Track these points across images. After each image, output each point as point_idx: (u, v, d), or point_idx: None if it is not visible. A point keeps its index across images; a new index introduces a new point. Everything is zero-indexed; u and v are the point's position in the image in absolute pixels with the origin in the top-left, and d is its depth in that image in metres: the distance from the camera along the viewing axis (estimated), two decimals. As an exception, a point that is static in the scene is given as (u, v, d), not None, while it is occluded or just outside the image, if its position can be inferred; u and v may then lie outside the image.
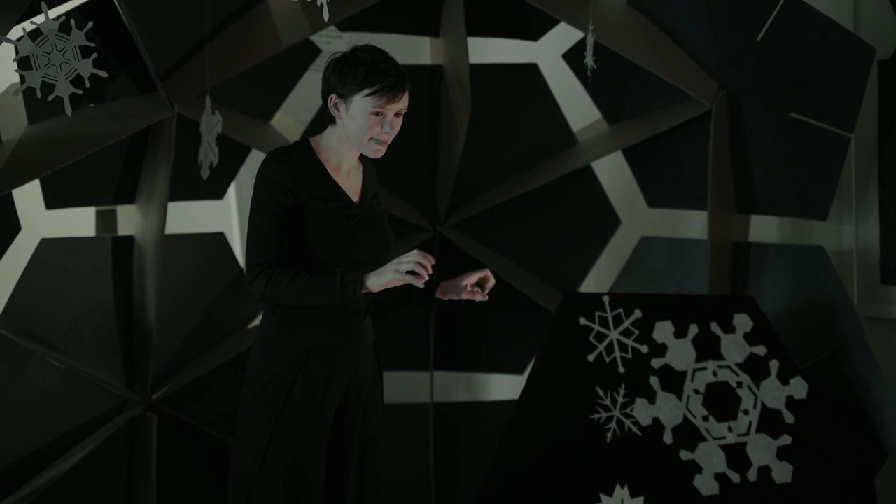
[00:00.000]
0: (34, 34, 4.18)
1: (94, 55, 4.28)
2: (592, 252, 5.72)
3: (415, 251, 3.36)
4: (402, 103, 3.49)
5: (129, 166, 4.86)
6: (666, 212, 5.66)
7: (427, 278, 3.36)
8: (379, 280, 3.38)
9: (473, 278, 3.63)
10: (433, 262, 3.36)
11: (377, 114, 3.45)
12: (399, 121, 3.51)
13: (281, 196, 3.45)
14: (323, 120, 3.63)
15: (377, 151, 3.52)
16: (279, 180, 3.45)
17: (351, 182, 3.60)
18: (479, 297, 3.63)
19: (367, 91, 3.43)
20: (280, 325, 3.51)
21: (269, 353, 3.52)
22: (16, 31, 4.28)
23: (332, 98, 3.48)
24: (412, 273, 3.34)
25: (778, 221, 5.37)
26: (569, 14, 4.93)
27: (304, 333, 3.50)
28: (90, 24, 4.25)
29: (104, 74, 4.31)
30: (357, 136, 3.49)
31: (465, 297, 3.65)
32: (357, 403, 3.60)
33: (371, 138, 3.48)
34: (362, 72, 3.43)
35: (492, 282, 3.63)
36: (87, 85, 4.28)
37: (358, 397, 3.60)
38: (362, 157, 3.67)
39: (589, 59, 4.52)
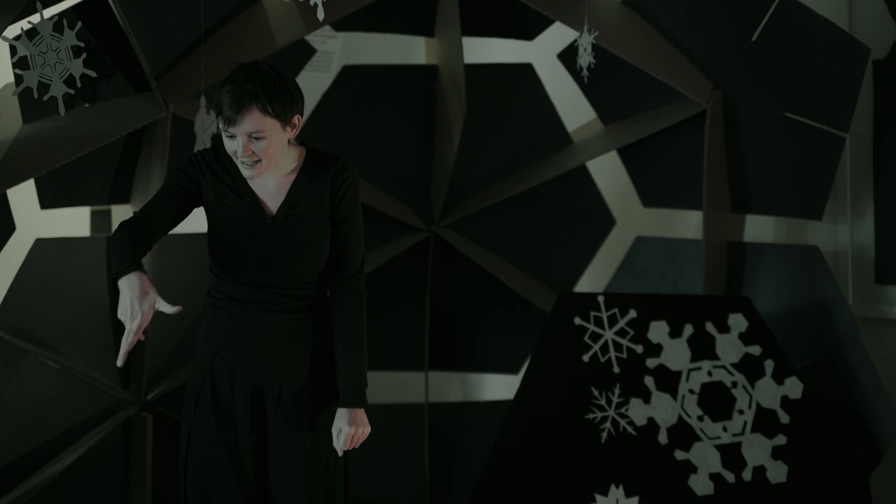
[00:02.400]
0: (31, 34, 4.18)
1: (84, 55, 4.27)
2: (587, 252, 5.72)
3: (135, 315, 3.17)
4: (247, 126, 3.29)
5: (123, 166, 4.86)
6: (661, 211, 5.66)
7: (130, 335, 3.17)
8: (121, 286, 3.18)
9: (343, 434, 3.46)
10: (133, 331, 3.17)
11: (229, 136, 3.33)
12: (261, 144, 3.31)
13: (185, 179, 3.41)
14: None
15: (248, 172, 3.35)
16: (190, 168, 3.42)
17: (273, 190, 3.45)
18: (338, 448, 3.48)
19: (215, 112, 3.34)
20: (204, 322, 3.51)
21: (196, 353, 3.52)
22: (12, 31, 4.27)
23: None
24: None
25: (773, 221, 5.38)
26: (564, 14, 4.93)
27: (212, 331, 3.47)
28: (79, 23, 4.25)
29: (93, 74, 4.30)
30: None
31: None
32: (283, 411, 3.45)
33: (236, 158, 3.35)
34: (216, 93, 3.35)
35: (352, 441, 3.46)
36: (79, 85, 4.28)
37: (283, 404, 3.45)
38: (324, 169, 3.47)
39: (582, 59, 4.52)
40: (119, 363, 3.19)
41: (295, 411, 3.46)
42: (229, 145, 3.33)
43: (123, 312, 3.16)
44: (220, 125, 3.32)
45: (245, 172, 3.35)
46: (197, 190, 3.43)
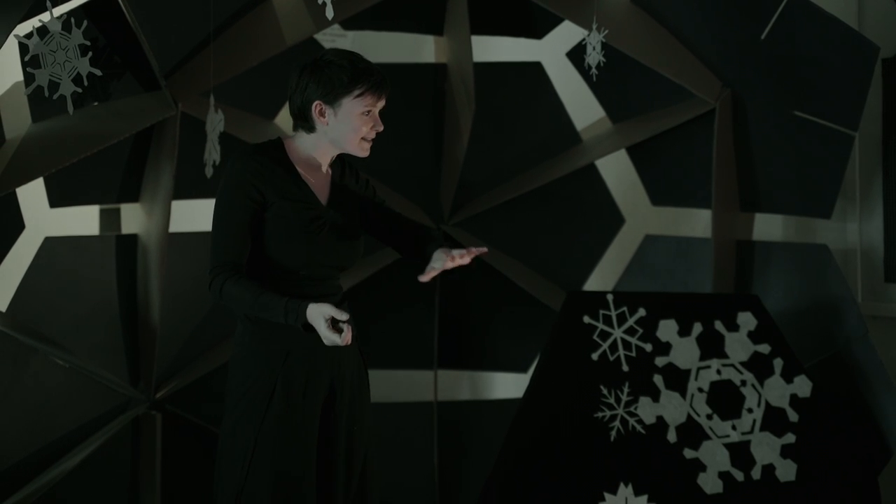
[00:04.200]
0: (41, 32, 4.19)
1: (90, 53, 4.28)
2: (596, 250, 5.72)
3: (344, 338, 3.29)
4: (384, 101, 3.56)
5: (132, 165, 4.87)
6: (670, 210, 5.65)
7: (342, 342, 3.29)
8: (315, 325, 3.32)
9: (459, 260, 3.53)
10: (341, 322, 3.30)
11: (367, 113, 3.50)
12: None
13: (254, 193, 3.44)
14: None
15: (366, 150, 3.55)
16: (250, 178, 3.45)
17: (320, 184, 3.58)
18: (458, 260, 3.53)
19: (356, 92, 3.47)
20: (256, 329, 3.50)
21: (248, 358, 3.51)
22: (21, 30, 4.28)
23: (317, 106, 3.49)
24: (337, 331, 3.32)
25: (782, 220, 5.37)
26: (573, 12, 4.93)
27: (281, 336, 3.48)
28: (85, 22, 4.26)
29: (98, 72, 4.31)
30: (348, 137, 3.51)
31: (449, 265, 3.54)
32: (342, 400, 3.58)
33: (362, 138, 3.52)
34: (347, 74, 3.47)
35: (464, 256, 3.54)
36: (85, 83, 4.28)
37: (342, 394, 3.58)
38: (338, 162, 3.65)
39: (590, 58, 4.52)
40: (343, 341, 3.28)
41: (352, 403, 3.60)
42: (362, 124, 3.50)
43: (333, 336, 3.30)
44: (364, 102, 3.48)
45: (362, 150, 3.55)
46: (262, 198, 3.47)
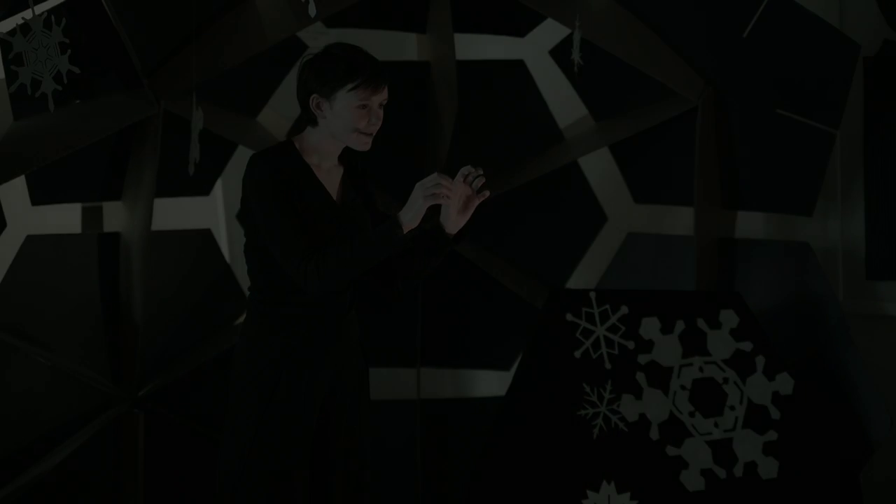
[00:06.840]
0: (24, 30, 4.17)
1: (69, 51, 4.27)
2: (579, 248, 5.72)
3: (434, 174, 3.40)
4: (384, 94, 3.52)
5: (115, 163, 4.85)
6: (652, 208, 5.66)
7: (449, 197, 3.39)
8: (411, 213, 3.40)
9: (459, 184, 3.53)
10: (448, 182, 3.40)
11: (363, 107, 3.48)
12: (381, 112, 3.53)
13: (288, 190, 3.45)
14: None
15: (365, 144, 3.54)
16: (280, 177, 3.45)
17: (331, 182, 3.60)
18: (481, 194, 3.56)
19: (350, 85, 3.45)
20: (263, 323, 3.52)
21: (253, 352, 3.53)
22: (4, 27, 4.27)
23: (314, 98, 3.49)
24: (436, 195, 3.39)
25: (764, 217, 5.37)
26: (556, 10, 4.94)
27: (288, 332, 3.50)
28: (64, 19, 4.25)
29: (77, 70, 4.29)
30: (344, 131, 3.50)
31: (477, 200, 3.54)
32: (342, 400, 3.61)
33: (359, 132, 3.50)
34: (342, 67, 3.46)
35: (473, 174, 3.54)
36: (65, 81, 4.27)
37: (343, 393, 3.62)
38: (345, 161, 3.66)
39: (576, 56, 4.53)
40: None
41: (352, 401, 3.65)
42: (358, 117, 3.48)
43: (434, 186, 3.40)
44: (358, 96, 3.45)
45: (360, 143, 3.53)
46: (293, 196, 3.49)
